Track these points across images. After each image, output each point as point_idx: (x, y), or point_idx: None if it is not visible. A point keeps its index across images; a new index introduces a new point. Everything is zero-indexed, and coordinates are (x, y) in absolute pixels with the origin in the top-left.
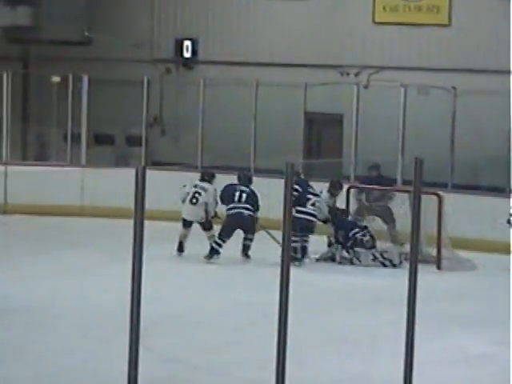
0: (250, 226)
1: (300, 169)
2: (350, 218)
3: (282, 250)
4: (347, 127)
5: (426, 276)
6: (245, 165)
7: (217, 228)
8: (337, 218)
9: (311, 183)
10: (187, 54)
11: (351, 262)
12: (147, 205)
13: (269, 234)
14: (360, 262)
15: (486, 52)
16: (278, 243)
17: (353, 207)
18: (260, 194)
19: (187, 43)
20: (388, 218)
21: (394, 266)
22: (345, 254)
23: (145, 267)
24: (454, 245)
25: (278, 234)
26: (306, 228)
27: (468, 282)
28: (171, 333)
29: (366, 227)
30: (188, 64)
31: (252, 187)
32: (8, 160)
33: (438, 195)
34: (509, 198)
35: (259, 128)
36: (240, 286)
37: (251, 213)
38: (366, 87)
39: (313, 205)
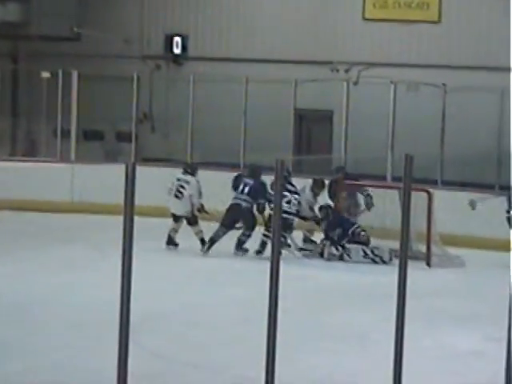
0: (247, 220)
1: (290, 165)
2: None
3: (272, 247)
4: (337, 123)
5: (416, 273)
6: (235, 161)
7: (207, 224)
8: (333, 216)
9: (299, 180)
10: (177, 51)
11: (341, 259)
12: (137, 201)
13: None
14: (350, 258)
15: (475, 49)
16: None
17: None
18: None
19: (177, 39)
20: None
21: (384, 262)
22: (333, 250)
23: (135, 263)
24: (443, 241)
25: None
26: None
27: (457, 278)
28: (162, 329)
29: (358, 226)
30: (178, 60)
31: (262, 179)
32: None
33: (427, 192)
34: (498, 194)
35: (249, 124)
36: (231, 282)
37: (249, 206)
38: (355, 84)
39: (288, 202)
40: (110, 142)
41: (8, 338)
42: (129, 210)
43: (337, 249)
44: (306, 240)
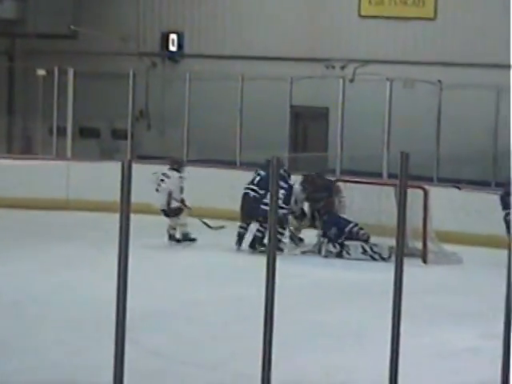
0: (253, 209)
1: (286, 162)
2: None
3: (268, 244)
4: (333, 121)
5: (412, 269)
6: (231, 158)
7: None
8: (328, 215)
9: (294, 177)
10: (173, 48)
11: (339, 256)
12: (133, 198)
13: (203, 222)
14: (350, 255)
15: (471, 46)
16: (205, 224)
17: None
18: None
19: (173, 37)
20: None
21: (383, 259)
22: (331, 247)
23: (132, 261)
24: (439, 238)
25: None
26: (265, 219)
27: (454, 275)
28: (159, 327)
29: (356, 224)
30: (174, 58)
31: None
32: None
33: (423, 189)
34: (494, 191)
35: (245, 122)
36: (230, 279)
37: (257, 195)
38: (351, 81)
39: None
40: (105, 140)
41: (6, 336)
42: (125, 208)
43: (334, 246)
44: (292, 238)
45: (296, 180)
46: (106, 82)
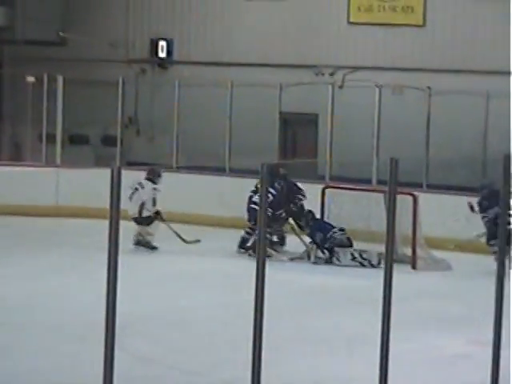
0: (251, 212)
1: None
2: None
3: (258, 249)
4: (322, 127)
5: (401, 276)
6: (220, 165)
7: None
8: (314, 220)
9: None
10: (162, 55)
11: (328, 262)
12: (122, 205)
13: (170, 227)
14: (339, 261)
15: (460, 52)
16: (180, 238)
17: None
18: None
19: (162, 43)
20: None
21: (373, 265)
22: (320, 254)
23: (120, 266)
24: (428, 245)
25: None
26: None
27: (443, 281)
28: (147, 332)
29: (342, 229)
30: (163, 64)
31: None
32: None
33: (413, 195)
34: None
35: (234, 128)
36: (217, 285)
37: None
38: (340, 87)
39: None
40: (95, 146)
41: None
42: (114, 214)
43: (323, 252)
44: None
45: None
46: (95, 88)
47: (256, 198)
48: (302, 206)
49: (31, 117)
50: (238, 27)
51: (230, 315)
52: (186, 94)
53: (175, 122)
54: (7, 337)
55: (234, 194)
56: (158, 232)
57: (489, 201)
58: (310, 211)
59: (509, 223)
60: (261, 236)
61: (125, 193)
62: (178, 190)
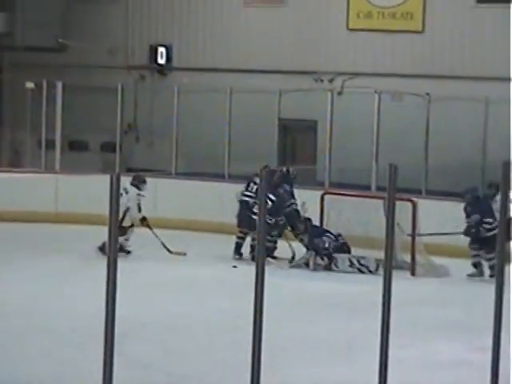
0: (246, 217)
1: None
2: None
3: (257, 256)
4: (321, 133)
5: (400, 282)
6: (219, 171)
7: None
8: (312, 227)
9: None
10: (161, 61)
11: (329, 268)
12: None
13: (156, 235)
14: (338, 267)
15: (459, 58)
16: (165, 247)
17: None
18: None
19: (161, 50)
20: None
21: (371, 272)
22: (319, 260)
23: (119, 272)
24: (428, 251)
25: None
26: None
27: (442, 287)
28: (147, 338)
29: (339, 234)
30: (162, 71)
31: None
32: None
33: (412, 201)
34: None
35: (233, 134)
36: (216, 291)
37: (250, 201)
38: (340, 94)
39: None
40: (94, 153)
41: None
42: (113, 220)
43: (322, 258)
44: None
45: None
46: (94, 94)
47: (254, 204)
48: (297, 211)
49: (30, 123)
50: (237, 34)
51: (229, 320)
52: (186, 100)
53: (174, 128)
54: (6, 342)
55: (233, 200)
56: (133, 236)
57: (472, 206)
58: (307, 218)
59: (490, 229)
60: (260, 242)
61: (147, 202)
62: (177, 196)
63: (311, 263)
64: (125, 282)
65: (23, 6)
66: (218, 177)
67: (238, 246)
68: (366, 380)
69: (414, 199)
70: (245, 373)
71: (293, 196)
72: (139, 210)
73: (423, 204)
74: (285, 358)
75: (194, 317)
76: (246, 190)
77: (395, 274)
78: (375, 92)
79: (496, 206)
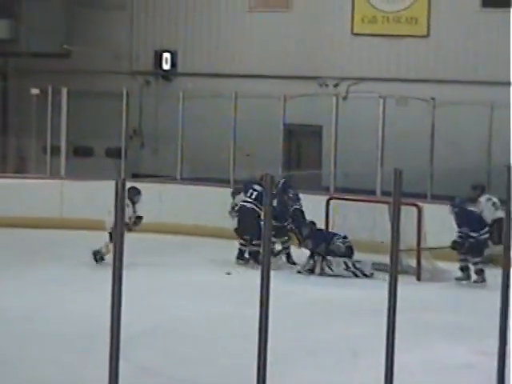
0: (251, 224)
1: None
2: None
3: (263, 261)
4: (326, 139)
5: (406, 287)
6: (224, 176)
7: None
8: (316, 232)
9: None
10: (166, 66)
11: (322, 270)
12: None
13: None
14: (332, 270)
15: (464, 63)
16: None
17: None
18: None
19: (166, 55)
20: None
21: (365, 275)
22: (325, 265)
23: (126, 278)
24: (433, 256)
25: None
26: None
27: (447, 292)
28: (152, 345)
29: (345, 237)
30: (167, 76)
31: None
32: None
33: (417, 206)
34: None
35: (238, 140)
36: (221, 297)
37: (255, 208)
38: (345, 98)
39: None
40: (99, 158)
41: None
42: (118, 226)
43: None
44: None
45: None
46: (99, 100)
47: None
48: (302, 212)
49: (35, 129)
50: (242, 39)
51: (234, 326)
52: (191, 105)
53: (179, 134)
54: (9, 347)
55: (238, 206)
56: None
57: (461, 219)
58: (312, 221)
59: (471, 237)
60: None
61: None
62: (182, 202)
63: (317, 268)
64: (127, 288)
65: (28, 13)
66: (223, 182)
67: (242, 252)
68: None
69: (420, 204)
70: (249, 378)
71: (298, 199)
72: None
73: (428, 208)
74: (289, 363)
75: (198, 322)
76: (246, 196)
77: (401, 279)
78: (380, 97)
79: (480, 207)
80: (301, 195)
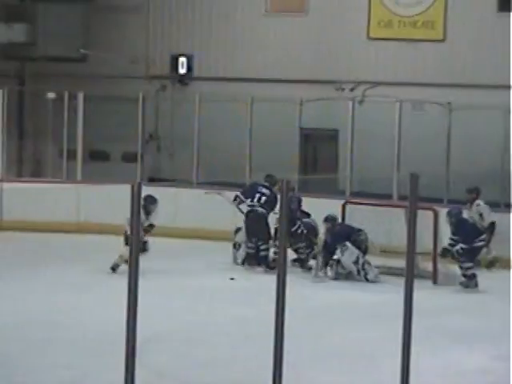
0: (262, 228)
1: (296, 185)
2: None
3: (279, 265)
4: (342, 143)
5: (422, 291)
6: (240, 180)
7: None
8: (339, 227)
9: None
10: (182, 70)
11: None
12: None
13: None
14: (343, 255)
15: (480, 67)
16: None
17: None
18: None
19: (182, 60)
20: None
21: (367, 280)
22: (340, 269)
23: (141, 283)
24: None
25: None
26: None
27: (464, 296)
28: (165, 349)
29: (359, 230)
30: (183, 80)
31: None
32: (4, 177)
33: (433, 210)
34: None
35: (254, 144)
36: (235, 301)
37: (265, 213)
38: (361, 103)
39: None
40: (115, 163)
41: (13, 359)
42: (135, 230)
43: (342, 267)
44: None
45: None
46: (115, 104)
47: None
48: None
49: (52, 133)
50: (258, 43)
51: (249, 330)
52: (206, 109)
53: (195, 138)
54: (26, 351)
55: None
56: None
57: (456, 228)
58: (334, 217)
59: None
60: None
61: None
62: (198, 206)
63: (332, 272)
64: (141, 292)
65: (44, 17)
66: (240, 186)
67: (250, 256)
68: None
69: (436, 208)
70: (265, 382)
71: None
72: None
73: (445, 213)
74: (306, 367)
75: (213, 326)
76: (252, 200)
77: (417, 283)
78: (396, 101)
79: (477, 209)
80: (317, 199)
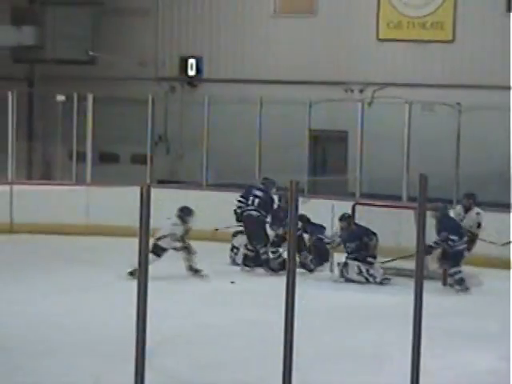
0: (257, 231)
1: (305, 186)
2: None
3: (288, 268)
4: (352, 144)
5: (432, 292)
6: (249, 182)
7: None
8: (355, 227)
9: (315, 200)
10: (191, 72)
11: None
12: (152, 223)
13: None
14: (347, 274)
15: (490, 68)
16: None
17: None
18: None
19: (191, 61)
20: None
21: (376, 282)
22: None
23: (150, 285)
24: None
25: None
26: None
27: (473, 297)
28: (177, 351)
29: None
30: (192, 82)
31: (271, 194)
32: (13, 179)
33: None
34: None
35: (263, 145)
36: (245, 303)
37: (260, 216)
38: (370, 104)
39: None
40: (125, 165)
41: (22, 360)
42: (144, 232)
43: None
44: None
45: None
46: (124, 106)
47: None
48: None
49: (61, 135)
50: (267, 44)
51: (258, 332)
52: (216, 111)
53: (205, 140)
54: (36, 353)
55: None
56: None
57: (441, 224)
58: (349, 216)
59: (454, 246)
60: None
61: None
62: (208, 208)
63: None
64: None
65: (54, 20)
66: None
67: (248, 258)
68: None
69: None
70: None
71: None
72: (181, 240)
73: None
74: (315, 368)
75: (222, 329)
76: (247, 204)
77: (426, 285)
78: (406, 102)
79: (478, 218)
80: (326, 201)
